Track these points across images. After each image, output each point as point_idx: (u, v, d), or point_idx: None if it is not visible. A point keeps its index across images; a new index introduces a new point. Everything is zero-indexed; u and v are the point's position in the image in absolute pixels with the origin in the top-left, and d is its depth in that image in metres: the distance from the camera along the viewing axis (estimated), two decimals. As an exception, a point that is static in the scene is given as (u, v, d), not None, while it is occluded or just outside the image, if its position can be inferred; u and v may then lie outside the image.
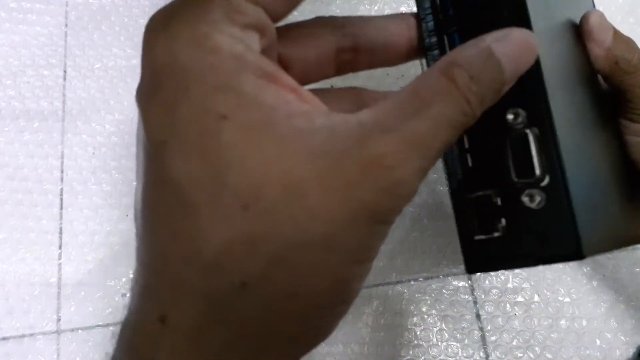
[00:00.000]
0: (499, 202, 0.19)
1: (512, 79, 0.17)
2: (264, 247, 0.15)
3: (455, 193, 0.21)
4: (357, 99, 0.22)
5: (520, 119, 0.19)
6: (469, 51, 0.17)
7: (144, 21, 0.47)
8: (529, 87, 0.19)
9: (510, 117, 0.19)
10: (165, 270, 0.16)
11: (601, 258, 0.39)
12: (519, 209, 0.19)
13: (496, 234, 0.20)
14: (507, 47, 0.17)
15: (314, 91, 0.19)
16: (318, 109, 0.17)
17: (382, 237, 0.17)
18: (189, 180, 0.16)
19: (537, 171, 0.18)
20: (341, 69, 0.21)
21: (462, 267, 0.38)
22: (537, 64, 0.18)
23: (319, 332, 0.18)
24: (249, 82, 0.16)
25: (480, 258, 0.21)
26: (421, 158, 0.16)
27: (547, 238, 0.18)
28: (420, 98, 0.16)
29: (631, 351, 0.37)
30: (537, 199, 0.18)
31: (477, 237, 0.20)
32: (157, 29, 0.17)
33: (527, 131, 0.18)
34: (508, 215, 0.19)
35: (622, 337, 0.38)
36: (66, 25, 0.44)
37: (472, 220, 0.20)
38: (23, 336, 0.38)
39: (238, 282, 0.15)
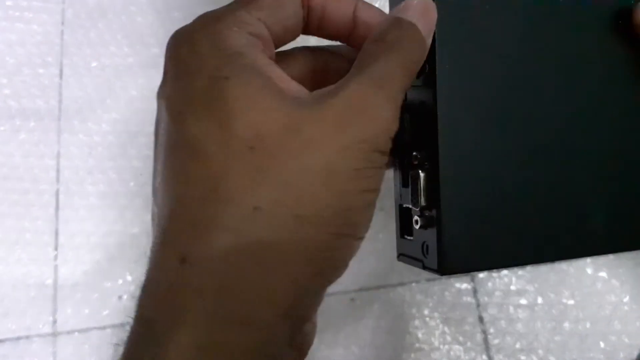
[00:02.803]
0: (415, 215, 0.24)
1: (427, 34, 0.22)
2: (270, 176, 0.18)
3: (398, 202, 0.26)
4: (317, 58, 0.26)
5: (419, 158, 0.23)
6: (385, 24, 0.22)
7: (141, 19, 0.47)
8: (427, 133, 0.23)
9: (414, 154, 0.23)
10: (183, 213, 0.18)
11: (604, 259, 0.39)
12: (413, 226, 0.24)
13: (409, 237, 0.25)
14: (409, 10, 0.22)
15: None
16: (301, 89, 0.21)
17: (377, 165, 0.20)
18: (201, 134, 0.19)
19: (422, 202, 0.23)
20: (314, 88, 0.25)
21: (465, 269, 0.39)
22: (434, 115, 0.23)
23: (332, 264, 0.20)
24: (251, 58, 0.20)
25: (403, 252, 0.26)
26: (388, 93, 0.20)
27: (426, 252, 0.24)
28: (366, 58, 0.21)
29: (635, 353, 0.38)
30: (419, 222, 0.24)
31: (405, 236, 0.25)
32: (179, 37, 0.21)
33: (419, 171, 0.23)
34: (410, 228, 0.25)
35: (626, 340, 0.38)
36: (63, 23, 0.44)
37: (402, 223, 0.25)
38: (19, 338, 0.38)
39: (251, 207, 0.18)
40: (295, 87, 0.21)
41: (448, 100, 0.23)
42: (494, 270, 0.35)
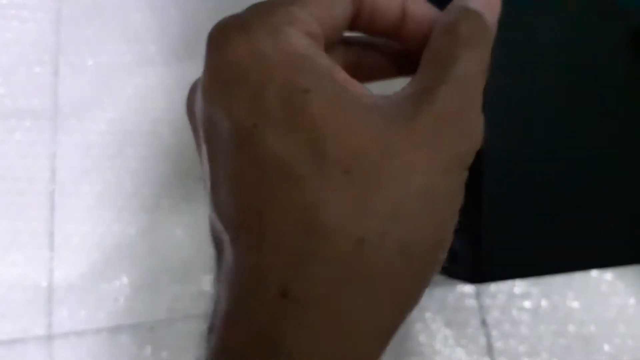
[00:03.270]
0: None
1: (493, 22, 0.21)
2: (373, 204, 0.17)
3: None
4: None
5: None
6: (452, 14, 0.20)
7: (138, 17, 0.46)
8: None
9: None
10: (281, 244, 0.17)
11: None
12: None
13: None
14: (475, 1, 0.21)
15: None
16: (368, 92, 0.19)
17: (462, 187, 0.19)
18: (289, 154, 0.17)
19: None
20: None
21: (467, 271, 0.39)
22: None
23: (421, 293, 0.19)
24: (322, 64, 0.19)
25: None
26: (475, 99, 0.19)
27: (455, 258, 0.22)
28: (444, 56, 0.19)
29: (640, 356, 0.37)
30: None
31: None
32: (231, 31, 0.19)
33: None
34: None
35: (631, 342, 0.37)
36: (59, 21, 0.43)
37: None
38: (14, 341, 0.37)
39: (356, 239, 0.17)
40: (363, 90, 0.19)
41: (495, 101, 0.22)
42: (527, 278, 0.34)
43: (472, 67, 0.19)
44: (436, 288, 0.38)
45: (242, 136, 0.18)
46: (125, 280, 0.38)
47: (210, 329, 0.19)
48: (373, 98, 0.19)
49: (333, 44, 0.23)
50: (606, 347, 0.37)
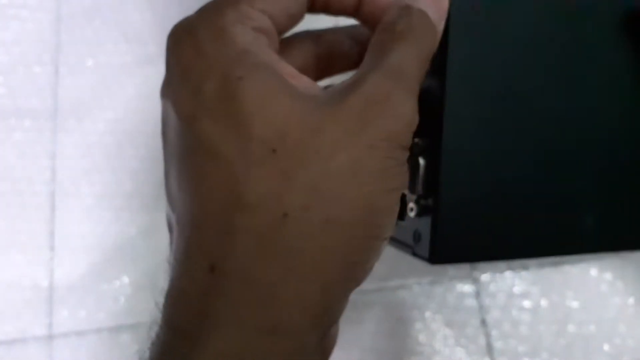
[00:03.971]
0: (410, 202, 0.24)
1: (439, 21, 0.22)
2: (297, 180, 0.18)
3: None
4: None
5: (420, 145, 0.23)
6: (395, 11, 0.21)
7: (137, 16, 0.46)
8: (430, 119, 0.23)
9: (416, 140, 0.23)
10: (208, 220, 0.18)
11: (609, 261, 0.38)
12: (406, 213, 0.24)
13: (401, 223, 0.25)
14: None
15: None
16: (313, 85, 0.21)
17: (399, 163, 0.20)
18: (218, 138, 0.18)
19: (420, 191, 0.23)
20: (321, 74, 0.25)
21: (468, 271, 0.39)
22: (441, 104, 0.23)
23: (357, 267, 0.20)
24: (263, 57, 0.19)
25: (393, 236, 0.25)
26: (405, 85, 0.20)
27: (419, 238, 0.24)
28: (379, 50, 0.20)
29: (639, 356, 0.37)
30: (414, 210, 0.24)
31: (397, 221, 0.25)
32: (181, 34, 0.21)
33: (420, 158, 0.23)
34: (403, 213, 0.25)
35: (631, 342, 0.37)
36: (58, 21, 0.43)
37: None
38: (14, 341, 0.37)
39: (280, 214, 0.18)
40: (307, 83, 0.20)
41: (457, 89, 0.23)
42: (482, 262, 0.35)
43: (405, 57, 0.20)
44: (436, 288, 0.38)
45: (183, 127, 0.19)
46: (125, 280, 0.38)
47: (161, 311, 0.20)
48: (312, 90, 0.20)
49: (302, 39, 0.24)
50: (606, 347, 0.37)
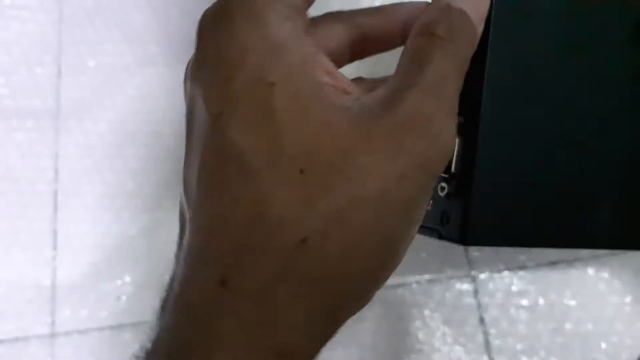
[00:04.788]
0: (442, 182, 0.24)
1: (479, 23, 0.21)
2: (321, 205, 0.17)
3: None
4: (364, 86, 0.24)
5: (457, 124, 0.22)
6: (433, 12, 0.20)
7: (138, 17, 0.46)
8: (468, 99, 0.22)
9: None
10: (227, 233, 0.17)
11: (606, 260, 0.38)
12: (435, 193, 0.24)
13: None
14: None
15: None
16: (348, 89, 0.19)
17: (428, 192, 0.19)
18: (247, 147, 0.17)
19: (453, 170, 0.23)
20: (353, 58, 0.24)
21: (466, 269, 0.39)
22: (480, 84, 0.22)
23: (364, 296, 0.19)
24: (297, 54, 0.18)
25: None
26: (446, 103, 0.18)
27: (447, 220, 0.24)
28: (418, 58, 0.19)
29: (637, 354, 0.37)
30: (446, 189, 0.23)
31: None
32: (217, 13, 0.19)
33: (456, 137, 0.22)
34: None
35: (628, 341, 0.37)
36: (60, 21, 0.43)
37: None
38: (16, 339, 0.37)
39: (299, 239, 0.17)
40: (340, 83, 0.19)
41: (497, 71, 0.23)
42: (512, 247, 0.35)
43: (445, 69, 0.19)
44: (435, 286, 0.38)
45: (210, 122, 0.18)
46: (127, 279, 0.39)
47: (163, 306, 0.20)
48: (345, 97, 0.19)
49: (334, 23, 0.23)
50: (603, 345, 0.37)
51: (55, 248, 0.39)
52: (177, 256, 0.20)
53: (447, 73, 0.19)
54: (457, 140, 0.23)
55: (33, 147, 0.41)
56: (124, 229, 0.39)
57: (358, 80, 0.24)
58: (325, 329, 0.19)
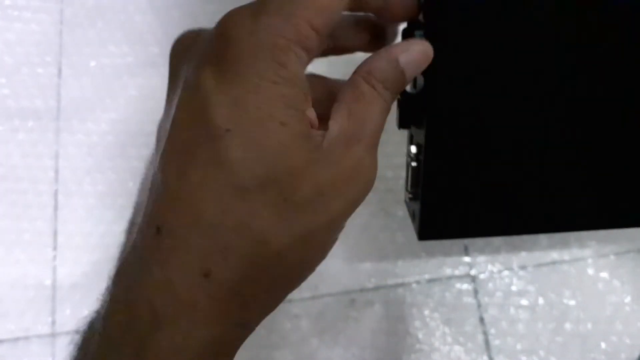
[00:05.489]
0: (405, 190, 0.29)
1: (410, 80, 0.24)
2: (295, 229, 0.21)
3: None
4: (323, 85, 0.28)
5: (413, 154, 0.27)
6: (381, 63, 0.23)
7: (139, 18, 0.46)
8: (422, 131, 0.26)
9: (410, 148, 0.27)
10: (216, 236, 0.20)
11: (604, 259, 0.38)
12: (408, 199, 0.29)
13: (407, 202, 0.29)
14: (409, 56, 0.23)
15: None
16: (315, 124, 0.23)
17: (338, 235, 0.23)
18: (245, 168, 0.20)
19: (409, 188, 0.28)
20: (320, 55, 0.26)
21: (466, 269, 0.39)
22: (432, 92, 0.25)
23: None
24: (302, 100, 0.21)
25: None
26: (375, 152, 0.23)
27: (413, 217, 0.28)
28: (360, 106, 0.23)
29: (636, 354, 0.37)
30: (408, 196, 0.28)
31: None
32: (245, 31, 0.21)
33: (411, 161, 0.27)
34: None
35: (628, 340, 0.38)
36: (61, 22, 0.43)
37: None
38: (18, 339, 0.38)
39: (276, 252, 0.21)
40: (315, 126, 0.22)
41: (445, 72, 0.25)
42: (469, 237, 0.37)
43: (378, 123, 0.23)
44: (434, 286, 0.38)
45: (214, 134, 0.20)
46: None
47: (118, 275, 0.22)
48: (317, 137, 0.22)
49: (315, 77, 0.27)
50: (603, 345, 0.37)
51: (56, 247, 0.39)
52: (138, 228, 0.22)
53: (378, 126, 0.23)
54: (413, 164, 0.27)
55: (34, 147, 0.41)
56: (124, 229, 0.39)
57: (318, 77, 0.27)
58: (272, 309, 0.23)
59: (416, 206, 0.28)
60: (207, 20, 0.41)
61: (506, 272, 0.38)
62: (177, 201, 0.21)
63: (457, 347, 0.37)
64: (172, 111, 0.22)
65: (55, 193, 0.40)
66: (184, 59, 0.24)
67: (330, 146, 0.22)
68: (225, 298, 0.21)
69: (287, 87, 0.21)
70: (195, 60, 0.22)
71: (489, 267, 0.38)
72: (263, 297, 0.22)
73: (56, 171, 0.40)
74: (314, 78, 0.27)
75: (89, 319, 0.23)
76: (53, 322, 0.38)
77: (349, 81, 0.24)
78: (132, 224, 0.26)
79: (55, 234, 0.39)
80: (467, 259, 0.39)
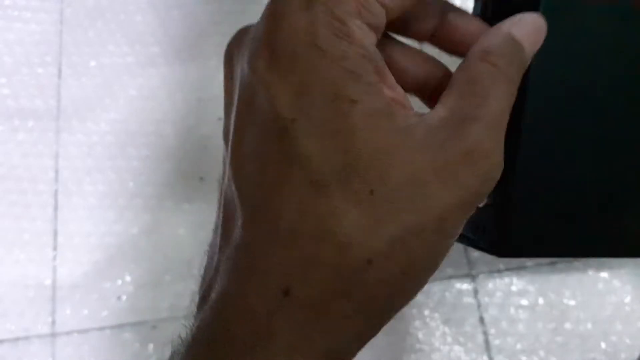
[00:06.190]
0: None
1: (531, 56, 0.21)
2: (388, 228, 0.17)
3: None
4: (421, 61, 0.24)
5: None
6: (495, 39, 0.20)
7: (140, 18, 0.46)
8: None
9: None
10: (293, 244, 0.18)
11: (604, 259, 0.38)
12: None
13: None
14: (523, 29, 0.20)
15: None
16: (404, 101, 0.20)
17: (466, 220, 0.19)
18: (320, 159, 0.17)
19: None
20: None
21: (465, 269, 0.39)
22: (522, 95, 0.22)
23: (402, 307, 0.20)
24: (374, 74, 0.18)
25: None
26: (501, 138, 0.19)
27: (483, 230, 0.24)
28: (481, 88, 0.19)
29: (636, 354, 0.37)
30: (485, 200, 0.22)
31: None
32: (293, 6, 0.18)
33: None
34: None
35: (628, 340, 0.37)
36: (61, 22, 0.43)
37: None
38: (17, 339, 0.37)
39: (365, 259, 0.17)
40: (404, 106, 0.19)
41: (539, 84, 0.23)
42: (549, 257, 0.35)
43: (504, 104, 0.19)
44: (434, 286, 0.38)
45: (280, 126, 0.18)
46: (127, 278, 0.39)
47: (204, 299, 0.20)
48: (409, 118, 0.19)
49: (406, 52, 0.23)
50: (603, 345, 0.37)
51: (56, 248, 0.39)
52: (219, 247, 0.20)
53: (505, 108, 0.19)
54: None
55: (34, 147, 0.41)
56: (125, 229, 0.39)
57: (428, 58, 0.24)
58: (371, 336, 0.20)
59: (488, 214, 0.24)
60: (208, 20, 0.41)
61: (506, 272, 0.38)
62: (251, 210, 0.18)
63: (457, 347, 0.37)
64: (233, 116, 0.20)
65: (55, 193, 0.40)
66: (237, 56, 0.20)
67: (432, 129, 0.18)
68: (308, 319, 0.18)
69: (352, 61, 0.18)
70: (248, 52, 0.19)
71: (489, 267, 0.38)
72: (356, 319, 0.18)
73: (56, 171, 0.40)
74: (427, 62, 0.23)
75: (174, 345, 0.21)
76: (53, 322, 0.38)
77: (462, 64, 0.20)
78: (212, 245, 0.22)
79: (55, 234, 0.39)
80: (466, 259, 0.39)
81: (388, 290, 0.18)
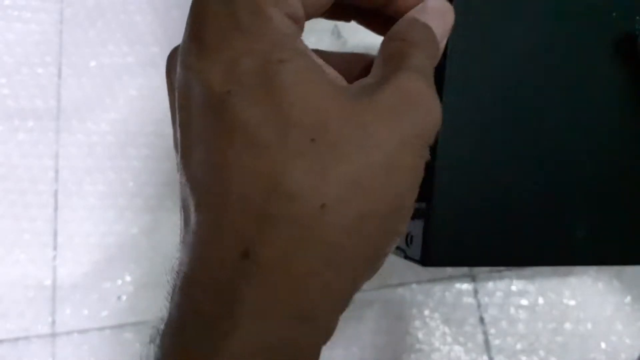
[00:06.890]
0: None
1: (442, 37, 0.22)
2: (336, 172, 0.18)
3: None
4: (361, 61, 0.25)
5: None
6: (401, 24, 0.22)
7: (139, 18, 0.46)
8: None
9: None
10: (244, 207, 0.18)
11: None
12: None
13: None
14: (426, 14, 0.22)
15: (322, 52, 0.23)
16: (340, 76, 0.21)
17: (424, 160, 0.20)
18: (257, 121, 0.18)
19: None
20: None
21: (466, 269, 0.39)
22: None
23: (379, 259, 0.20)
24: (300, 44, 0.19)
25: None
26: (431, 83, 0.20)
27: (411, 241, 0.25)
28: (397, 55, 0.20)
29: (636, 354, 0.37)
30: None
31: None
32: (220, 6, 0.19)
33: None
34: None
35: (628, 340, 0.37)
36: (61, 22, 0.43)
37: None
38: (17, 339, 0.38)
39: (318, 205, 0.17)
40: (336, 75, 0.20)
41: (452, 98, 0.24)
42: (474, 266, 0.36)
43: (423, 61, 0.20)
44: (435, 286, 0.38)
45: (215, 102, 0.18)
46: (128, 278, 0.39)
47: (173, 290, 0.20)
48: (342, 80, 0.20)
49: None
50: (603, 345, 0.37)
51: (56, 248, 0.39)
52: (183, 241, 0.20)
53: (424, 64, 0.20)
54: None
55: (34, 147, 0.41)
56: (125, 229, 0.39)
57: (356, 55, 0.25)
58: (346, 292, 0.19)
59: (417, 225, 0.24)
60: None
61: (506, 272, 0.38)
62: (200, 191, 0.19)
63: (457, 347, 0.37)
64: (177, 119, 0.20)
65: (55, 193, 0.40)
66: (173, 66, 0.21)
67: (364, 83, 0.19)
68: (272, 281, 0.17)
69: (276, 36, 0.19)
70: (180, 55, 0.20)
71: (489, 267, 0.38)
72: (324, 274, 0.18)
73: (56, 171, 0.40)
74: (351, 56, 0.25)
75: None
76: (53, 322, 0.38)
77: (379, 50, 0.22)
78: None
79: (55, 234, 0.39)
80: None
81: (349, 236, 0.18)
